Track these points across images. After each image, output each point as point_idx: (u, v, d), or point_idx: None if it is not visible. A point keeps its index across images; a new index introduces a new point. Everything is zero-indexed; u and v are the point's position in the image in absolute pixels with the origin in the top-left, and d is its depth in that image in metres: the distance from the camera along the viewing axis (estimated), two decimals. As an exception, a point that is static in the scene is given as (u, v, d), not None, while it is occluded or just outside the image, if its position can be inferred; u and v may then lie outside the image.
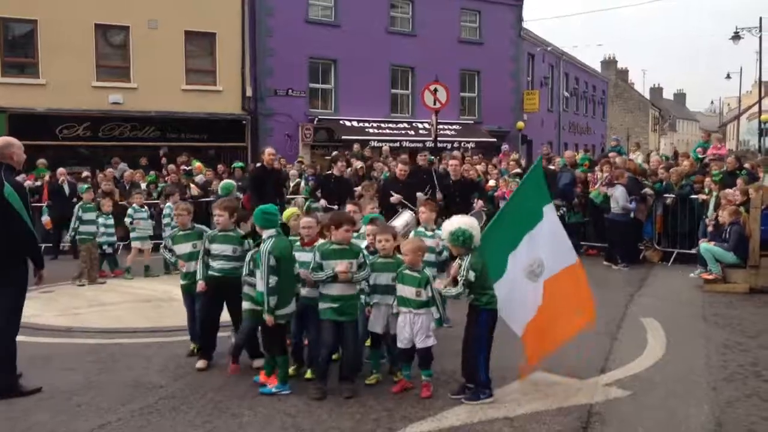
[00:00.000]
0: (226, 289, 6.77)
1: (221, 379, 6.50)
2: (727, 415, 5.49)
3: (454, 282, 5.86)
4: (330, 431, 5.28)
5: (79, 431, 5.33)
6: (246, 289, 6.48)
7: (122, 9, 22.18)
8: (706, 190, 12.95)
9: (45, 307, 9.99)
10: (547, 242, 6.28)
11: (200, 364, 6.83)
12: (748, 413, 5.52)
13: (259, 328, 6.35)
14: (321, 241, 6.45)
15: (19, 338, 7.98)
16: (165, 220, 13.33)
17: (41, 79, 21.57)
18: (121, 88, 22.76)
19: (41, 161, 18.73)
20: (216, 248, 6.81)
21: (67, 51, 21.40)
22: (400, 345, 6.12)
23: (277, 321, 6.00)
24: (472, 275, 5.71)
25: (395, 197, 10.72)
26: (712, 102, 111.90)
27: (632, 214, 12.94)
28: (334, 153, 18.95)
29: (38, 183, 17.16)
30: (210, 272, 6.81)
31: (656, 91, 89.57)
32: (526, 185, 6.51)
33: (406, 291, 6.01)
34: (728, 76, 58.34)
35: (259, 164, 14.03)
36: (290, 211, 7.29)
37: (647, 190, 13.26)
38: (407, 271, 6.06)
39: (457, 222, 5.93)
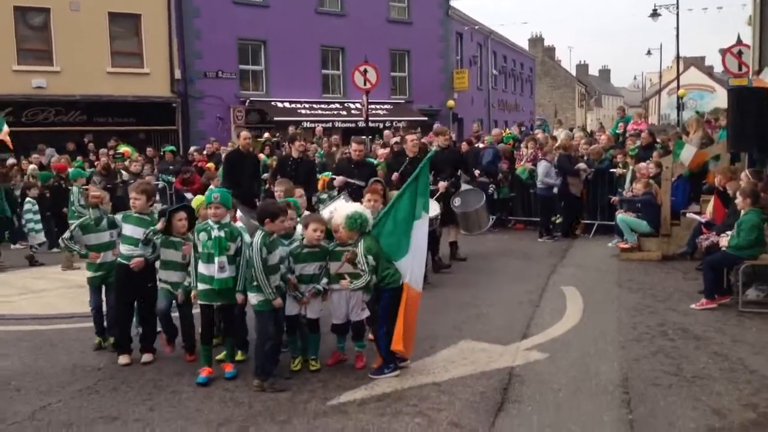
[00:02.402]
0: (137, 277, 6.65)
1: (158, 361, 6.65)
2: (633, 370, 5.99)
3: (350, 263, 5.99)
4: (267, 402, 5.54)
5: (20, 413, 5.44)
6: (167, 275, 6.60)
7: (42, -10, 21.62)
8: (620, 164, 13.62)
9: (-25, 296, 9.91)
10: (413, 248, 6.23)
11: (123, 359, 6.64)
12: (653, 368, 6.04)
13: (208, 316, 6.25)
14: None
15: (-51, 328, 8.03)
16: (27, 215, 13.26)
17: (-42, 64, 20.87)
18: (44, 71, 22.17)
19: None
20: (127, 230, 6.71)
21: (-16, 34, 20.75)
22: (335, 321, 6.38)
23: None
24: (371, 259, 5.91)
25: (339, 179, 10.25)
26: (635, 77, 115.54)
27: (555, 189, 13.49)
28: (292, 130, 18.56)
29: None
30: (119, 260, 6.71)
31: (582, 67, 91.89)
32: (413, 184, 6.30)
33: (337, 268, 6.20)
34: (649, 53, 60.70)
35: (233, 148, 13.70)
36: (199, 199, 7.38)
37: (580, 165, 13.62)
38: (339, 248, 6.28)
39: (351, 206, 6.23)
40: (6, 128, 14.70)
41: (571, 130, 21.78)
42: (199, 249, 6.11)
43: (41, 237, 13.41)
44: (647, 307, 8.13)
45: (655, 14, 38.70)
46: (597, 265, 10.91)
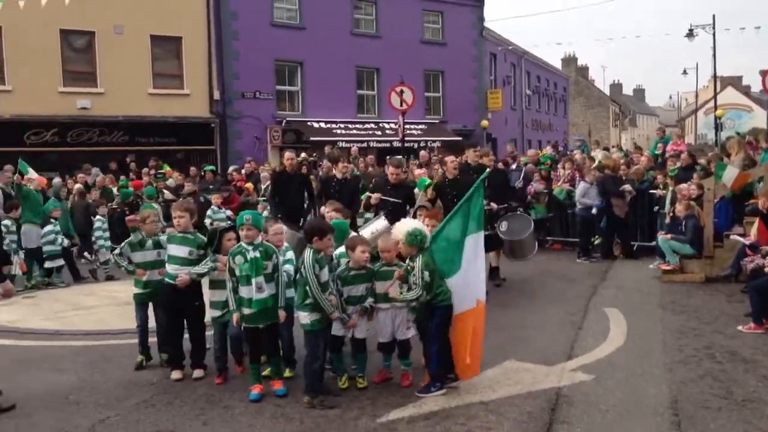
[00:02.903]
0: (184, 296, 6.75)
1: (210, 377, 6.80)
2: (682, 393, 5.99)
3: (402, 281, 6.10)
4: (318, 419, 5.65)
5: (81, 426, 5.62)
6: (214, 295, 6.71)
7: (87, 14, 22.16)
8: (660, 185, 13.58)
9: (28, 312, 10.20)
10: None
11: (176, 374, 6.79)
12: (702, 391, 6.03)
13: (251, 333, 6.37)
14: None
15: (6, 342, 8.33)
16: (96, 233, 13.41)
17: (7, 86, 21.52)
18: (89, 93, 22.81)
19: (8, 167, 18.69)
20: (173, 249, 6.82)
21: (32, 57, 21.42)
22: (382, 339, 6.46)
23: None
24: (427, 275, 6.00)
25: (375, 196, 9.75)
26: (670, 97, 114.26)
27: (594, 210, 13.48)
28: (328, 150, 18.38)
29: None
30: (166, 279, 6.82)
31: (616, 87, 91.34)
32: (469, 202, 6.36)
33: (386, 286, 6.29)
34: (685, 72, 60.22)
35: (279, 168, 13.77)
36: None
37: (626, 187, 13.44)
38: (386, 268, 6.39)
39: (411, 223, 6.35)
40: (31, 171, 15.14)
41: (606, 149, 21.70)
42: (237, 273, 6.18)
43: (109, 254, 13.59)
44: (692, 330, 8.10)
45: (690, 34, 38.48)
46: (638, 287, 10.87)
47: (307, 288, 5.95)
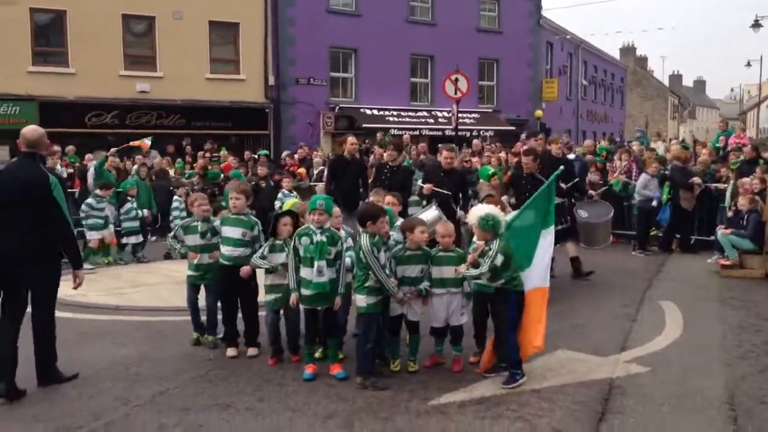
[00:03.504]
0: (238, 276, 6.87)
1: (264, 356, 6.91)
2: (740, 388, 5.88)
3: (474, 266, 6.05)
4: (370, 400, 5.72)
5: (142, 397, 5.82)
6: (267, 279, 6.78)
7: (148, 0, 22.67)
8: (723, 179, 13.26)
9: (88, 287, 10.41)
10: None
11: (231, 351, 6.97)
12: (761, 387, 5.91)
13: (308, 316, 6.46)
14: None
15: (70, 315, 8.62)
16: (174, 213, 13.73)
17: (71, 68, 22.13)
18: (148, 77, 23.30)
19: (70, 148, 19.26)
20: (227, 231, 6.98)
21: (95, 41, 21.98)
22: (435, 324, 6.48)
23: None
24: (500, 259, 5.96)
25: (427, 187, 9.59)
26: (732, 89, 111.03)
27: (654, 203, 13.27)
28: (380, 136, 18.19)
29: (70, 170, 17.69)
30: (221, 260, 6.98)
31: (675, 78, 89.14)
32: (542, 196, 6.52)
33: (444, 272, 6.33)
34: (748, 64, 58.13)
35: (337, 154, 13.49)
36: (290, 202, 7.50)
37: (695, 179, 13.15)
38: (442, 253, 6.43)
39: (485, 208, 6.28)
40: (147, 141, 15.91)
41: (664, 141, 21.24)
42: (301, 253, 6.25)
43: None
44: (752, 325, 7.92)
45: (756, 25, 37.32)
46: (696, 281, 10.66)
47: (371, 272, 6.00)
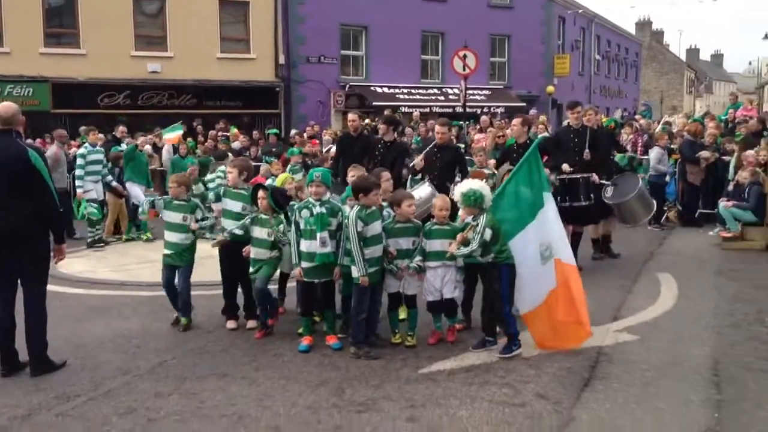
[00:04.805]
0: (236, 251, 6.95)
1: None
2: (727, 355, 5.98)
3: (464, 244, 6.07)
4: (362, 368, 5.88)
5: (141, 367, 6.02)
6: (255, 253, 6.82)
7: (159, -21, 22.81)
8: (730, 151, 13.22)
9: (98, 263, 10.80)
10: (553, 227, 6.29)
11: (231, 324, 7.16)
12: (746, 354, 6.01)
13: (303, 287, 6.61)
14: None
15: (78, 291, 8.85)
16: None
17: (82, 50, 22.28)
18: (159, 57, 23.43)
19: (83, 128, 19.47)
20: (227, 204, 7.10)
21: (106, 21, 22.06)
22: (429, 298, 6.50)
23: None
24: (488, 234, 5.98)
25: (418, 161, 9.13)
26: (750, 63, 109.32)
27: (667, 177, 13.29)
28: (388, 114, 18.10)
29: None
30: (224, 235, 7.02)
31: (693, 52, 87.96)
32: (523, 168, 6.35)
33: (437, 245, 6.38)
34: (766, 36, 57.24)
35: (345, 131, 13.51)
36: (283, 177, 7.59)
37: (702, 153, 12.98)
38: (437, 227, 6.48)
39: (467, 183, 6.29)
40: (179, 133, 15.54)
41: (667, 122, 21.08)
42: (302, 226, 6.38)
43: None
44: (747, 295, 7.99)
45: (773, -5, 36.71)
46: (696, 254, 10.70)
47: (349, 244, 6.14)
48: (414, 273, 6.46)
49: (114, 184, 12.89)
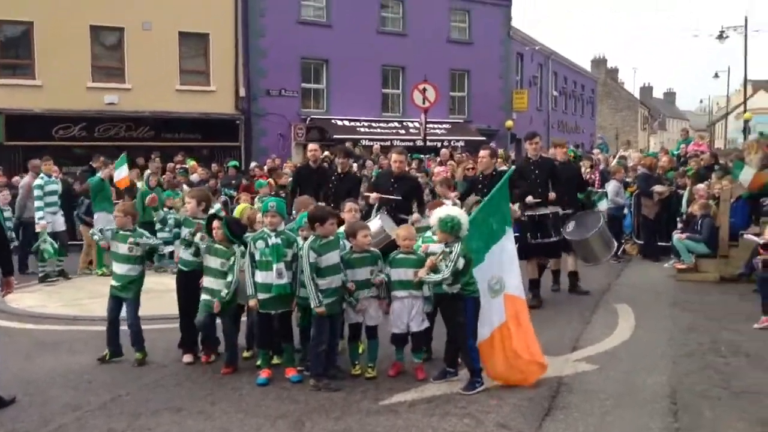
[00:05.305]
0: (193, 283, 6.88)
1: (219, 362, 6.93)
2: (682, 384, 6.05)
3: (433, 270, 6.01)
4: (322, 401, 5.79)
5: (92, 403, 5.83)
6: (208, 282, 6.71)
7: (117, 10, 22.52)
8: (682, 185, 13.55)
9: (49, 298, 10.52)
10: (508, 261, 6.39)
11: (187, 358, 6.98)
12: (702, 382, 6.09)
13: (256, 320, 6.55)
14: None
15: (27, 326, 8.60)
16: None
17: (37, 80, 21.93)
18: (117, 88, 23.16)
19: (34, 161, 19.04)
20: (185, 233, 7.01)
21: (62, 52, 21.75)
22: (395, 330, 6.39)
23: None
24: (461, 263, 5.92)
25: (373, 196, 8.92)
26: (701, 101, 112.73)
27: (625, 210, 13.54)
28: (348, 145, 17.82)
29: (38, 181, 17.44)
30: (180, 266, 6.99)
31: (646, 90, 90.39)
32: (495, 198, 6.50)
33: (402, 274, 6.31)
34: (716, 75, 59.20)
35: (302, 163, 13.47)
36: (241, 207, 7.57)
37: (657, 187, 13.19)
38: (402, 256, 6.40)
39: (446, 209, 6.28)
40: (125, 175, 14.24)
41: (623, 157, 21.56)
42: (257, 257, 6.31)
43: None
44: (701, 326, 8.12)
45: (721, 36, 38.11)
46: (652, 286, 10.86)
47: (301, 276, 6.11)
48: (381, 285, 6.37)
49: (85, 217, 12.73)
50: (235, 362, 6.73)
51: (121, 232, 7.10)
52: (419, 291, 6.37)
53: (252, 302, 6.40)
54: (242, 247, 6.65)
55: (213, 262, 6.74)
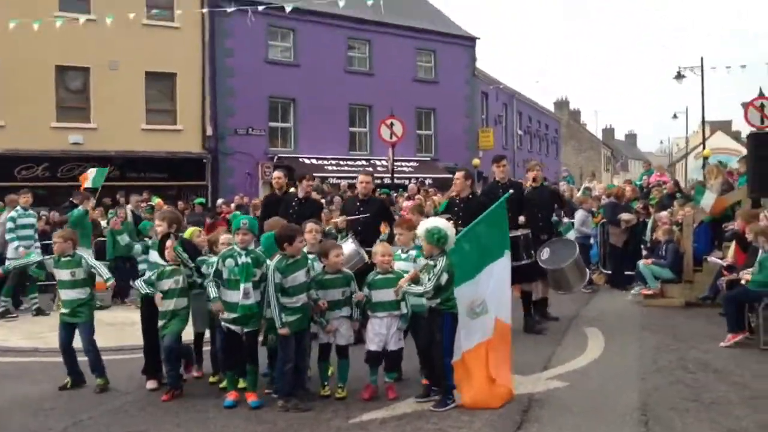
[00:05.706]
0: (155, 309, 6.75)
1: (185, 386, 6.79)
2: (652, 397, 6.06)
3: (414, 282, 5.97)
4: (291, 421, 5.67)
5: (54, 429, 5.65)
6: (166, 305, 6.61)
7: (83, 50, 22.39)
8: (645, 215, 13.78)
9: (9, 332, 10.22)
10: (497, 285, 6.29)
11: (151, 384, 6.83)
12: (671, 395, 6.11)
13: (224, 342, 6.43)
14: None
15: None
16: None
17: (0, 121, 21.68)
18: (81, 128, 22.96)
19: (11, 196, 18.65)
20: (153, 256, 6.94)
21: (27, 92, 21.56)
22: (372, 347, 6.26)
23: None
24: (444, 278, 5.88)
25: (341, 219, 9.03)
26: (661, 142, 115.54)
27: (591, 240, 13.66)
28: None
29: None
30: (144, 292, 6.83)
31: (608, 132, 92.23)
32: (491, 218, 6.43)
33: (382, 295, 6.23)
34: (675, 116, 60.73)
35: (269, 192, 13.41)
36: (190, 230, 7.59)
37: (623, 215, 13.23)
38: (380, 276, 6.33)
39: (434, 221, 6.25)
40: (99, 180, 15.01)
41: (600, 182, 22.03)
42: (225, 275, 6.22)
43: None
44: (668, 346, 8.18)
45: (679, 76, 39.06)
46: (620, 312, 10.94)
47: (267, 295, 6.05)
48: (346, 320, 6.32)
49: None
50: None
51: (62, 258, 6.97)
52: (398, 310, 6.29)
53: (217, 305, 6.25)
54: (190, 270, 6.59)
55: (167, 284, 6.65)
